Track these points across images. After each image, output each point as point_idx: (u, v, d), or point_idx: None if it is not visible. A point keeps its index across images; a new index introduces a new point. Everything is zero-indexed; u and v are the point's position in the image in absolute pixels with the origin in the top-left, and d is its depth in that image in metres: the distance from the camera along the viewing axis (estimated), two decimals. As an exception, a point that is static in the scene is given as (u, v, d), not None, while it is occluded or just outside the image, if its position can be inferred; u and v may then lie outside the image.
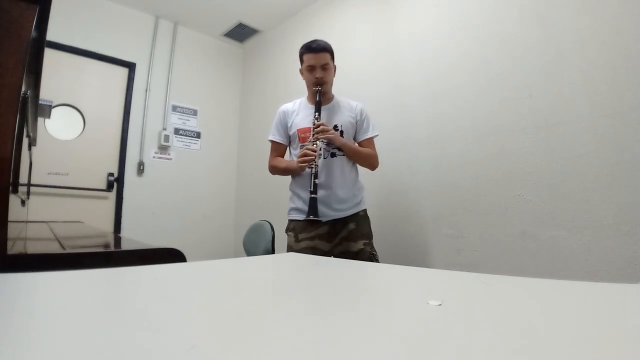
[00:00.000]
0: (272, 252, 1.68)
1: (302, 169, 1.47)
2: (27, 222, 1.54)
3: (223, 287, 0.43)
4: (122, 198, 2.78)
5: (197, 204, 3.19)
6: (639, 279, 1.20)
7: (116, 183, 2.78)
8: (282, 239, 2.06)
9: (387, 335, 0.23)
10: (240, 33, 3.43)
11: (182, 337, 0.22)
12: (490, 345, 0.21)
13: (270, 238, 1.71)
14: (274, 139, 1.65)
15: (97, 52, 2.76)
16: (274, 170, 1.64)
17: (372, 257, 1.52)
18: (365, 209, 1.60)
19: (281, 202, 2.89)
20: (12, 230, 0.59)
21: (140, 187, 2.88)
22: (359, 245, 1.50)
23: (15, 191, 0.66)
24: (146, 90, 2.99)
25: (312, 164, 1.43)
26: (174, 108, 3.15)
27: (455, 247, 1.74)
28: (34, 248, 0.81)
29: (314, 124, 1.49)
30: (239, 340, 0.22)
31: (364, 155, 1.59)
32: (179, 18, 3.19)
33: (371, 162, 1.61)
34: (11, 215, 0.53)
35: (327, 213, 1.48)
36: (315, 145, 1.45)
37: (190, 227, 3.11)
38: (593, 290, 0.39)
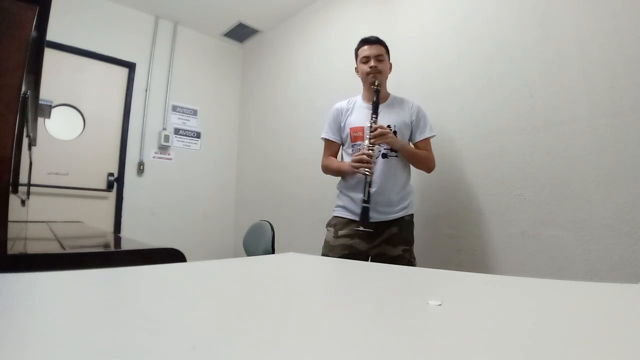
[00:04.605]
0: (272, 252, 1.68)
1: (354, 173, 1.44)
2: (27, 222, 1.54)
3: (223, 287, 0.43)
4: (122, 198, 2.78)
5: (197, 204, 3.19)
6: (639, 279, 1.20)
7: (116, 183, 2.78)
8: (282, 239, 2.06)
9: (387, 335, 0.23)
10: (240, 33, 3.43)
11: (182, 337, 0.22)
12: (490, 345, 0.21)
13: (270, 238, 1.70)
14: (327, 137, 1.60)
15: (97, 52, 2.76)
16: (327, 170, 1.62)
17: (410, 265, 1.46)
18: (412, 214, 1.53)
19: (281, 202, 2.91)
20: (12, 230, 0.59)
21: (140, 187, 2.88)
22: (398, 251, 1.45)
23: (15, 191, 0.66)
24: (146, 90, 2.99)
25: (367, 171, 1.38)
26: (174, 108, 3.15)
27: (455, 247, 1.73)
28: (34, 248, 0.81)
29: (371, 128, 1.42)
30: (239, 340, 0.22)
31: (420, 158, 1.53)
32: (179, 18, 3.18)
33: (427, 165, 1.56)
34: (11, 215, 0.53)
35: (372, 215, 1.44)
36: (371, 151, 1.40)
37: (190, 227, 3.11)
38: (593, 290, 0.39)
